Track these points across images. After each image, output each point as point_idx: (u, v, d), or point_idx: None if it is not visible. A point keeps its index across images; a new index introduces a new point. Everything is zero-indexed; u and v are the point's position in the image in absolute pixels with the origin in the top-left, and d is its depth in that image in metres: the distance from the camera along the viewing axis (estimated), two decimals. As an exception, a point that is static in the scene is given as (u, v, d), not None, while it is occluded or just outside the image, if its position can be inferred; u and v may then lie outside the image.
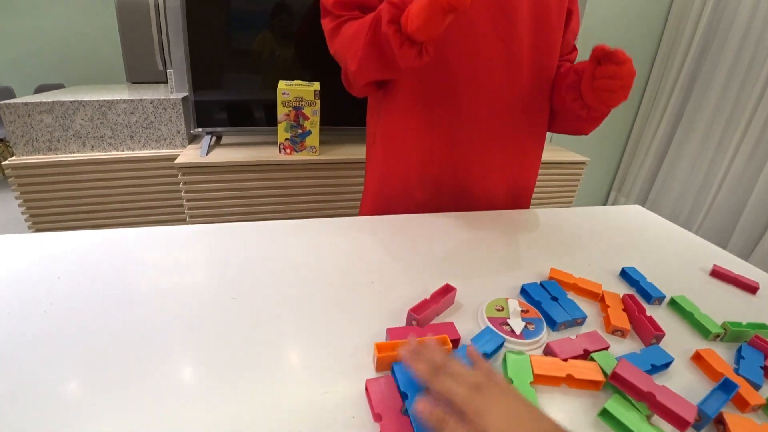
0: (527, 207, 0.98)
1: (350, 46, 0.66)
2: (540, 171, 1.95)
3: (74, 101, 1.43)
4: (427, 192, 0.84)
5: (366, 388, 0.39)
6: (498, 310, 0.53)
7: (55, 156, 1.48)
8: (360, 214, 0.95)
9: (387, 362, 0.42)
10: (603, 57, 0.65)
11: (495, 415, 0.30)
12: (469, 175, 0.83)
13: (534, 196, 2.01)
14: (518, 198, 0.94)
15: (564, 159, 2.02)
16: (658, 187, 2.77)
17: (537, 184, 1.98)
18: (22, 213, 1.52)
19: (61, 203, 1.51)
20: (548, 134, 2.65)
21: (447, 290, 0.54)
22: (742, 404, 0.43)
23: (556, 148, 2.23)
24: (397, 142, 0.82)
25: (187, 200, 1.47)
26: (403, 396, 0.37)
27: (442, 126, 0.78)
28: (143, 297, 0.50)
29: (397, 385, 0.39)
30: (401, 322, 0.50)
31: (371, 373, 0.42)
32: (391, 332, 0.46)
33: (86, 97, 1.46)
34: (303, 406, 0.37)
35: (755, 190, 2.20)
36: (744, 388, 0.44)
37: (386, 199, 0.87)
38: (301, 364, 0.43)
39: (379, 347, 0.42)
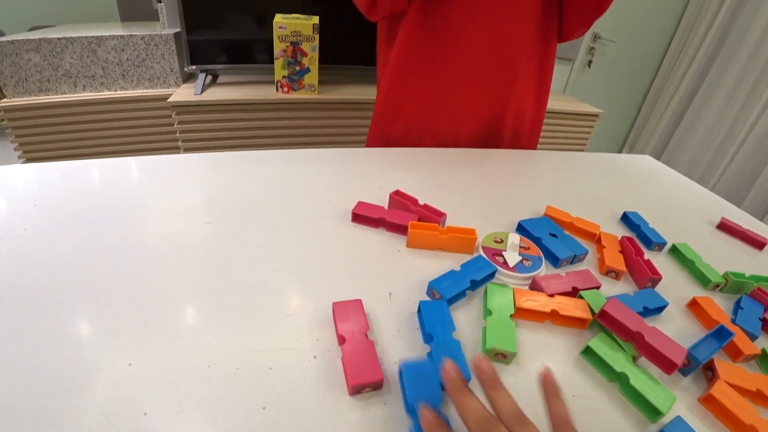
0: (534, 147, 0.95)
1: None
2: (550, 121, 1.91)
3: (62, 38, 1.37)
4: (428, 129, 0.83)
5: (333, 311, 0.37)
6: (497, 242, 0.51)
7: (46, 97, 1.44)
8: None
9: (416, 239, 0.48)
10: None
11: None
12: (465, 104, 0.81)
13: (541, 145, 1.98)
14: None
15: (577, 110, 1.93)
16: (673, 146, 2.66)
17: (546, 132, 1.94)
18: (19, 157, 1.51)
19: (57, 145, 1.49)
20: (563, 83, 2.54)
21: (437, 213, 0.54)
22: (735, 353, 0.41)
23: (569, 99, 2.13)
24: (404, 74, 0.79)
25: (183, 141, 1.44)
26: (427, 337, 0.36)
27: (447, 62, 0.76)
28: (121, 223, 0.48)
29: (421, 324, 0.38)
30: (386, 251, 0.48)
31: (342, 297, 0.40)
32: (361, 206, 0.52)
33: (74, 34, 1.39)
34: (269, 328, 0.36)
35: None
36: (739, 338, 0.42)
37: (389, 134, 0.85)
38: (272, 287, 0.41)
39: (413, 224, 0.48)
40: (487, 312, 0.39)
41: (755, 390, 0.36)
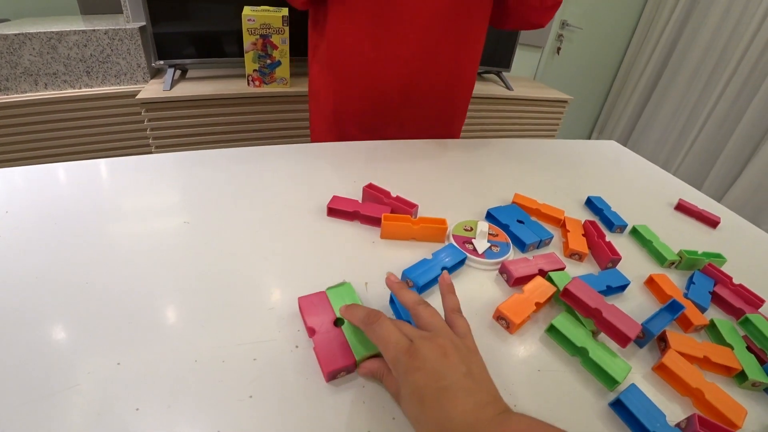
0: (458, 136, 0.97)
1: None
2: (521, 107, 1.95)
3: (19, 34, 1.31)
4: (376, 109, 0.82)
5: (299, 306, 0.39)
6: (466, 230, 0.53)
7: (5, 97, 1.38)
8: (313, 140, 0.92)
9: (389, 230, 0.51)
10: None
11: (420, 370, 0.28)
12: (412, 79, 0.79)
13: (512, 132, 2.02)
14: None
15: (546, 96, 1.98)
16: (640, 130, 2.77)
17: (517, 119, 1.98)
18: (-21, 157, 1.44)
19: (18, 147, 1.43)
20: (533, 70, 2.59)
21: (409, 205, 0.55)
22: (686, 324, 0.45)
23: (539, 85, 2.18)
24: (345, 57, 0.78)
25: (154, 138, 1.41)
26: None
27: (388, 37, 0.74)
28: (97, 226, 0.48)
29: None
30: (361, 243, 0.49)
31: (321, 287, 0.41)
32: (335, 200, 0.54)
33: (32, 29, 1.33)
34: (252, 321, 0.37)
35: (733, 136, 2.21)
36: (690, 310, 0.45)
37: (339, 122, 0.85)
38: (253, 282, 0.42)
39: (386, 217, 0.51)
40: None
41: (702, 357, 0.40)
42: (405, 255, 0.49)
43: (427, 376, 0.28)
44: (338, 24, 0.76)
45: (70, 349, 0.33)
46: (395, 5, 0.71)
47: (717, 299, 0.50)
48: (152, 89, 1.38)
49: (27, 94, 1.39)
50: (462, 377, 0.28)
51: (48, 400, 0.29)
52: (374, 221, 0.53)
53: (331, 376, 0.33)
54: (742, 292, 0.50)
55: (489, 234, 0.53)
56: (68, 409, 0.29)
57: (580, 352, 0.38)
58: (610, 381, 0.36)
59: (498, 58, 1.93)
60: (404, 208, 0.55)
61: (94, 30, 1.36)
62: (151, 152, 1.48)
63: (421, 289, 0.43)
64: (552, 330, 0.40)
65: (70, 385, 0.30)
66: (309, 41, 0.87)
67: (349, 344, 0.34)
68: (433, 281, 0.44)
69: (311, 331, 0.36)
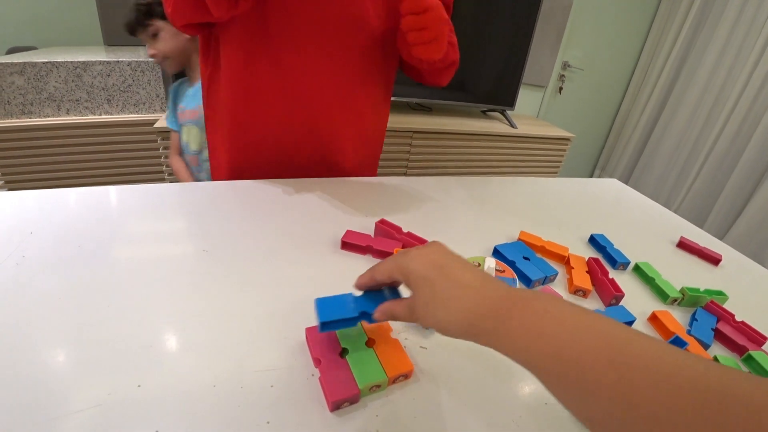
0: (374, 174, 0.91)
1: None
2: (525, 145, 2.00)
3: (47, 62, 1.38)
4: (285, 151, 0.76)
5: (306, 336, 0.40)
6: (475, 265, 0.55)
7: (29, 120, 1.44)
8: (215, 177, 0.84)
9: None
10: (403, 8, 0.58)
11: (416, 262, 0.32)
12: (321, 130, 0.75)
13: (516, 169, 2.07)
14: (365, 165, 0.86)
15: (549, 134, 2.03)
16: (641, 167, 2.81)
17: (520, 157, 2.03)
18: (-2, 178, 1.49)
19: (39, 168, 1.48)
20: (536, 109, 2.66)
21: (419, 240, 0.58)
22: (690, 361, 0.46)
23: (542, 123, 2.24)
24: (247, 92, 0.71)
25: (167, 165, 1.45)
26: (321, 327, 0.36)
27: (290, 75, 0.69)
28: (117, 251, 0.50)
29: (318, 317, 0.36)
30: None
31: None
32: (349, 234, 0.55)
33: (60, 58, 1.41)
34: (268, 349, 0.39)
35: (733, 174, 2.25)
36: (693, 347, 0.46)
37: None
38: (270, 311, 0.44)
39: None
40: None
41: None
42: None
43: (433, 250, 0.33)
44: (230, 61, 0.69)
45: (92, 369, 0.35)
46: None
47: (720, 336, 0.51)
48: (169, 118, 1.43)
49: (49, 119, 1.45)
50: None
51: (70, 418, 0.30)
52: (386, 255, 0.55)
53: (335, 406, 0.34)
54: (744, 329, 0.51)
55: (496, 270, 0.54)
56: (88, 428, 0.30)
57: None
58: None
59: (502, 96, 2.00)
60: (415, 243, 0.57)
61: (118, 61, 1.43)
62: (164, 179, 1.52)
63: (323, 326, 0.36)
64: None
65: (91, 404, 0.32)
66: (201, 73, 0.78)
67: (354, 375, 0.35)
68: (342, 323, 0.36)
69: (317, 362, 0.37)
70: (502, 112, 2.07)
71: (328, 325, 0.36)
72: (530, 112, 2.58)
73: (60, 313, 0.40)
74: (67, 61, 1.39)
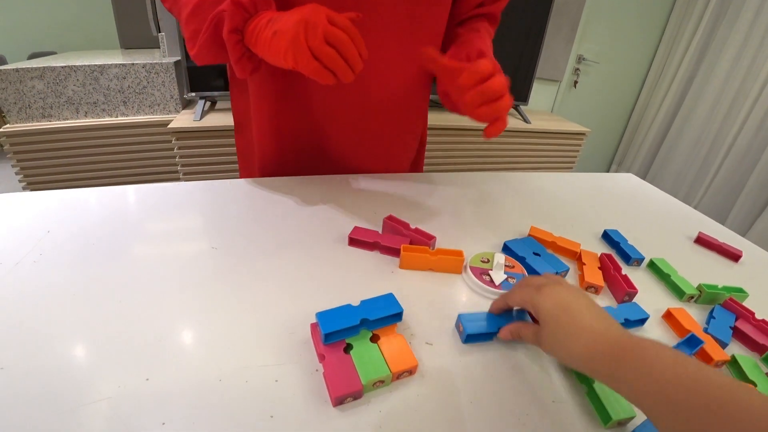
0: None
1: (187, 26, 0.55)
2: (539, 140, 1.97)
3: (66, 66, 1.42)
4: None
5: (311, 331, 0.40)
6: (483, 261, 0.54)
7: (49, 123, 1.48)
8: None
9: (408, 261, 0.52)
10: (463, 82, 0.51)
11: (547, 300, 0.37)
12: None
13: (530, 164, 2.04)
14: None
15: (564, 129, 1.99)
16: (659, 163, 2.74)
17: (534, 152, 2.00)
18: (20, 180, 1.54)
19: (58, 170, 1.52)
20: (551, 103, 2.62)
21: (427, 237, 0.57)
22: (707, 360, 0.44)
23: (557, 118, 2.20)
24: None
25: (182, 165, 1.48)
26: (326, 338, 0.37)
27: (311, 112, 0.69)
28: (130, 248, 0.51)
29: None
30: (380, 272, 0.51)
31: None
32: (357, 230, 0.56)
33: (77, 62, 1.44)
34: (274, 344, 0.39)
35: (756, 168, 2.18)
36: (709, 345, 0.45)
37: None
38: (277, 307, 0.44)
39: (405, 248, 0.52)
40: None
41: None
42: (422, 285, 0.50)
43: (563, 290, 0.38)
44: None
45: (102, 363, 0.36)
46: None
47: (739, 334, 0.49)
48: (183, 119, 1.46)
49: (68, 121, 1.49)
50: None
51: (80, 410, 0.31)
52: (393, 252, 0.55)
53: (338, 401, 0.34)
54: (765, 327, 0.49)
55: (505, 266, 0.54)
56: (98, 419, 0.31)
57: (587, 382, 0.39)
58: (605, 415, 0.36)
59: (515, 91, 1.96)
60: (422, 239, 0.56)
61: (133, 63, 1.46)
62: (179, 178, 1.55)
63: (327, 338, 0.37)
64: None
65: (102, 397, 0.32)
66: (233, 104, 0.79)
67: (357, 370, 0.35)
68: (345, 333, 0.38)
69: (321, 357, 0.37)
70: (516, 107, 2.04)
71: (331, 336, 0.38)
72: (544, 107, 2.54)
73: (74, 308, 0.41)
74: (84, 65, 1.43)
